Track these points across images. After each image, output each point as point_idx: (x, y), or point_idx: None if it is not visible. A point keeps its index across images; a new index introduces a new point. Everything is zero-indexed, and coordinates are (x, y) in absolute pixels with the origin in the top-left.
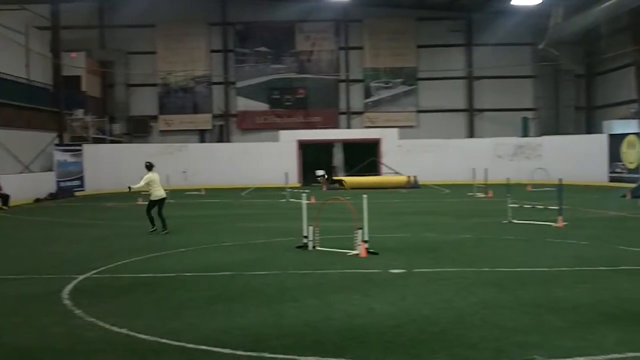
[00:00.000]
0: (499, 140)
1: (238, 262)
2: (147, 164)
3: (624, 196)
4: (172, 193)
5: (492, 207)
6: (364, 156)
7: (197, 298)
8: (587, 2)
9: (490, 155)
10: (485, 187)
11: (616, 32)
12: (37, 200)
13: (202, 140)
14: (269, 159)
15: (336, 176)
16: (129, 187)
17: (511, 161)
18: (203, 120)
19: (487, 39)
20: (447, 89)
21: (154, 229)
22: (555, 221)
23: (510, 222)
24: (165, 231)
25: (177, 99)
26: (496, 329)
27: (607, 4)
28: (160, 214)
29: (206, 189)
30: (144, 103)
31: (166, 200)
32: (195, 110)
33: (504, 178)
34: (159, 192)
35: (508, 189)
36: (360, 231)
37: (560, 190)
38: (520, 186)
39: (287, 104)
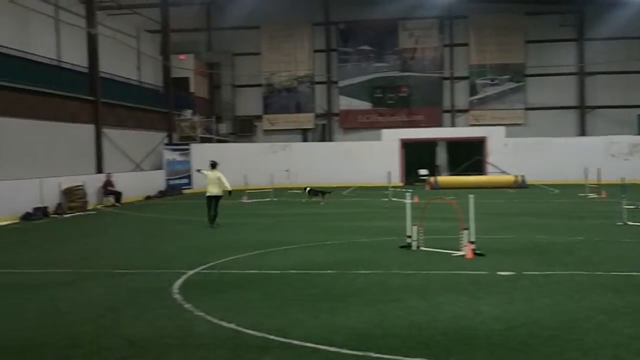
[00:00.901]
0: (613, 139)
1: (341, 261)
2: (210, 162)
3: None
4: (275, 191)
5: (606, 208)
6: (468, 155)
7: (302, 295)
8: None
9: (603, 154)
10: (598, 188)
11: None
12: (148, 197)
13: (305, 140)
14: (371, 158)
15: (440, 175)
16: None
17: (626, 160)
18: (306, 120)
19: (599, 33)
20: (556, 85)
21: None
22: None
23: (626, 224)
24: (210, 225)
25: (280, 98)
26: (613, 335)
27: None
28: (209, 210)
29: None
30: (249, 103)
31: (220, 199)
32: (298, 109)
33: (618, 178)
34: (208, 190)
35: (623, 189)
36: (466, 232)
37: None
38: (636, 187)
39: (390, 103)
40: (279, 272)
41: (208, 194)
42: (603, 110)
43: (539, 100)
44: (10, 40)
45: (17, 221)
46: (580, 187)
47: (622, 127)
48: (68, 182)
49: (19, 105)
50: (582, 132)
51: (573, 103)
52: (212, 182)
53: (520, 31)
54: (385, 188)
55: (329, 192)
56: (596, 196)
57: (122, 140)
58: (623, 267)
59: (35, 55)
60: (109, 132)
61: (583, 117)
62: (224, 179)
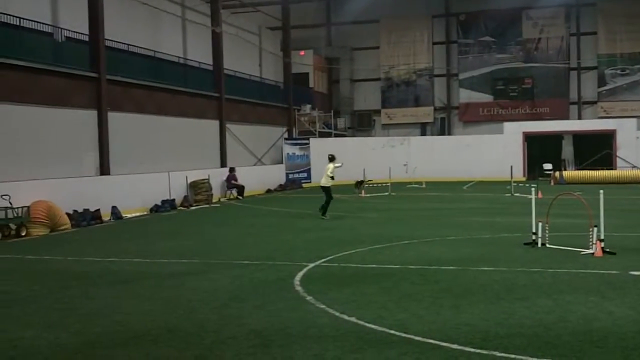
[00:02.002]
0: None
1: (463, 257)
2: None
3: None
4: (393, 186)
5: None
6: (596, 149)
7: (422, 291)
8: None
9: None
10: None
11: None
12: (269, 191)
13: (424, 133)
14: (492, 152)
15: (565, 170)
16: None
17: None
18: (424, 113)
19: None
20: None
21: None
22: None
23: None
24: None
25: (399, 92)
26: None
27: None
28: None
29: (427, 182)
30: (367, 97)
31: (329, 189)
32: (417, 103)
33: None
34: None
35: None
36: (595, 229)
37: None
38: None
39: (512, 95)
40: (398, 266)
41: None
42: None
43: None
44: (142, 41)
45: (146, 213)
46: None
47: None
48: (194, 175)
49: (149, 102)
50: None
51: None
52: (325, 173)
53: None
54: (507, 183)
55: (365, 181)
56: None
57: (244, 135)
58: None
59: (164, 54)
60: (232, 127)
61: None
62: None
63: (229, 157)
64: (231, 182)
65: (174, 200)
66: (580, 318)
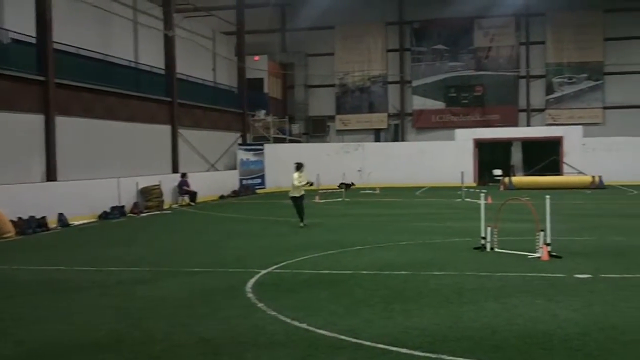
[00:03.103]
0: None
1: (414, 262)
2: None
3: None
4: (348, 192)
5: None
6: (544, 155)
7: (374, 296)
8: None
9: None
10: None
11: None
12: (222, 197)
13: (378, 140)
14: (444, 158)
15: (514, 175)
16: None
17: None
18: (379, 120)
19: None
20: (636, 83)
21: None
22: None
23: None
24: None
25: (353, 98)
26: None
27: None
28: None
29: (380, 188)
30: (322, 103)
31: (298, 199)
32: (371, 109)
33: None
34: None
35: None
36: (542, 233)
37: None
38: None
39: (464, 102)
40: (350, 272)
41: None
42: None
43: (618, 99)
44: (92, 43)
45: (95, 220)
46: None
47: None
48: (145, 181)
49: (99, 106)
50: None
51: None
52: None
53: (599, 28)
54: (459, 188)
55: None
56: None
57: (197, 140)
58: None
59: (115, 57)
60: (185, 133)
61: None
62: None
63: (181, 163)
64: (183, 188)
65: (123, 207)
66: (527, 321)
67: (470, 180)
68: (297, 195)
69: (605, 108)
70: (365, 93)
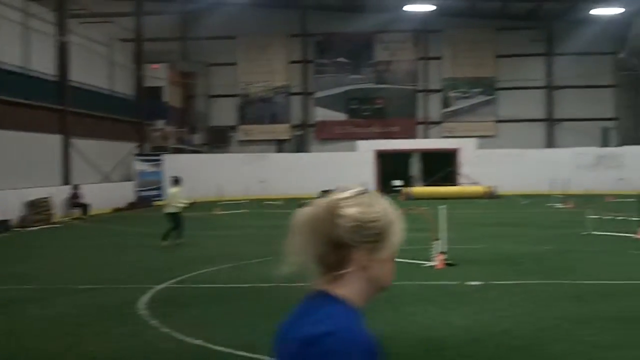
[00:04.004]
0: (579, 150)
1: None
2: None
3: None
4: (250, 203)
5: (572, 218)
6: (441, 166)
7: (274, 310)
8: None
9: (570, 166)
10: (565, 198)
11: None
12: (117, 209)
13: (281, 150)
14: (346, 169)
15: (413, 186)
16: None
17: (592, 172)
18: (282, 131)
19: (567, 48)
20: (526, 98)
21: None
22: (635, 232)
23: (590, 233)
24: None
25: (256, 109)
26: (579, 344)
27: None
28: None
29: (284, 199)
30: (224, 113)
31: (176, 215)
32: (274, 120)
33: (584, 189)
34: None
35: (588, 200)
36: (437, 242)
37: None
38: (601, 197)
39: (365, 114)
40: (249, 285)
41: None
42: (570, 123)
43: (510, 112)
44: None
45: None
46: (548, 197)
47: (588, 139)
48: (33, 194)
49: None
50: (550, 144)
51: (542, 116)
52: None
53: (492, 46)
54: None
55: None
56: (563, 206)
57: (91, 150)
58: (588, 276)
59: (1, 62)
60: (78, 142)
61: (551, 129)
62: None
63: (74, 174)
64: (74, 200)
65: (7, 221)
66: (421, 328)
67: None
68: (175, 211)
69: (497, 121)
70: (268, 104)
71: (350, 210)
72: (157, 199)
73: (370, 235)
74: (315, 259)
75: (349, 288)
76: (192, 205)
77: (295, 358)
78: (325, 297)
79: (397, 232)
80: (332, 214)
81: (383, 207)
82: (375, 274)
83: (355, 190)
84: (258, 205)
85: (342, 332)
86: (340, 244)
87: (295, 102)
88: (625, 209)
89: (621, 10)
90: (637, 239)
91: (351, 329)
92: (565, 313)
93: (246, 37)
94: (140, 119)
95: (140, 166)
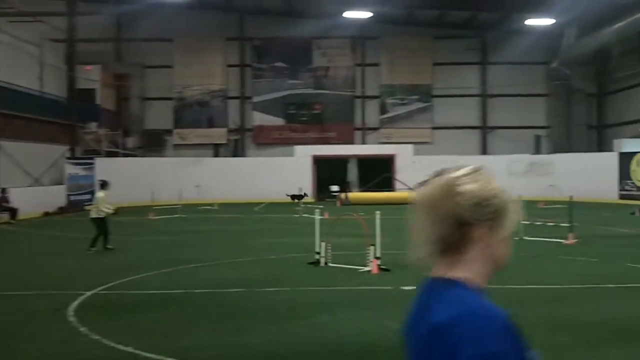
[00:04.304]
0: (512, 158)
1: (249, 279)
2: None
3: (634, 213)
4: (184, 208)
5: None
6: (378, 172)
7: (206, 316)
8: (599, 23)
9: (503, 172)
10: None
11: (627, 53)
12: (47, 214)
13: (217, 155)
14: (283, 174)
15: (350, 191)
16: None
17: (523, 178)
18: (218, 135)
19: (501, 57)
20: (461, 106)
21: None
22: (565, 238)
23: (522, 238)
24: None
25: (192, 113)
26: None
27: (618, 25)
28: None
29: (219, 204)
30: (159, 117)
31: (102, 220)
32: (211, 124)
33: (517, 195)
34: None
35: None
36: (372, 247)
37: (571, 207)
38: (532, 203)
39: (303, 119)
40: (183, 291)
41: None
42: (503, 131)
43: (445, 120)
44: None
45: None
46: None
47: (521, 147)
48: None
49: None
50: (484, 151)
51: (476, 123)
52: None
53: (429, 54)
54: (297, 204)
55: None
56: None
57: (20, 153)
58: (517, 280)
59: None
60: (6, 145)
61: (485, 136)
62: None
63: (2, 177)
64: (2, 204)
65: None
66: (355, 333)
67: (309, 196)
68: (100, 216)
69: (433, 128)
70: (204, 107)
71: (470, 187)
72: (89, 203)
73: (490, 212)
74: (436, 239)
75: (470, 269)
76: (117, 213)
77: (429, 347)
78: (448, 281)
79: (515, 209)
80: (451, 192)
81: (498, 185)
82: (495, 253)
83: (471, 167)
84: (193, 210)
85: (475, 313)
86: (461, 222)
87: (233, 106)
88: (556, 215)
89: (553, 21)
90: (567, 244)
91: (484, 308)
92: None
93: (183, 40)
94: (72, 121)
95: (71, 169)
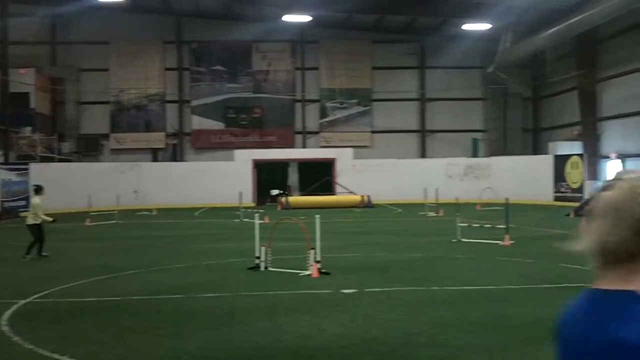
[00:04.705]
0: (450, 161)
1: (188, 285)
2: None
3: (568, 215)
4: (121, 213)
5: (443, 226)
6: (319, 176)
7: (144, 323)
8: (534, 28)
9: (442, 175)
10: (437, 207)
11: (561, 57)
12: None
13: (155, 159)
14: (223, 179)
15: (291, 195)
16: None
17: (461, 181)
18: (156, 139)
19: (439, 62)
20: (400, 110)
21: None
22: (502, 240)
23: (460, 240)
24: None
25: (129, 117)
26: (443, 349)
27: (552, 30)
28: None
29: (158, 209)
30: (96, 121)
31: (39, 226)
32: (149, 128)
33: (454, 197)
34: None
35: (457, 208)
36: (312, 251)
37: (507, 209)
38: (470, 205)
39: (243, 123)
40: (120, 298)
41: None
42: (442, 134)
43: (385, 123)
44: None
45: None
46: (421, 206)
47: (459, 150)
48: None
49: None
50: (423, 155)
51: (415, 127)
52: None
53: (368, 58)
54: (237, 209)
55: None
56: (435, 215)
57: None
58: (456, 282)
59: None
60: None
61: (424, 140)
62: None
63: None
64: None
65: None
66: (295, 337)
67: (249, 200)
68: (37, 222)
69: (373, 132)
70: (142, 111)
71: None
72: (24, 210)
73: None
74: (614, 247)
75: None
76: (55, 221)
77: None
78: (627, 296)
79: None
80: (638, 196)
81: None
82: None
83: None
84: (131, 216)
85: None
86: None
87: (171, 110)
88: (493, 217)
89: (489, 26)
90: (503, 245)
91: None
92: (434, 318)
93: (119, 43)
94: (5, 126)
95: (5, 175)
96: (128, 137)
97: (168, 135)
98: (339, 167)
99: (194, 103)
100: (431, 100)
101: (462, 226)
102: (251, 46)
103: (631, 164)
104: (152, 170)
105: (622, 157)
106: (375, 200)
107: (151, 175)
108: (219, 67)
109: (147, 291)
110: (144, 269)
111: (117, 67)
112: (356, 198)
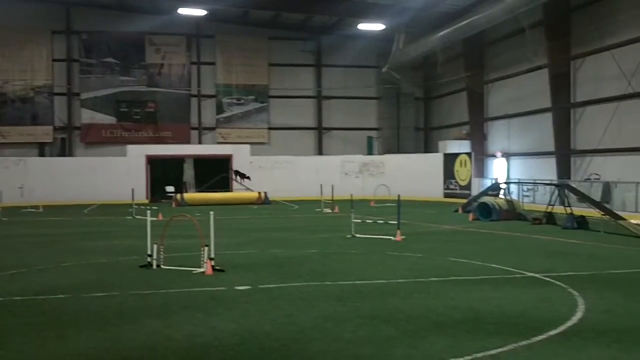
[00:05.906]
0: (346, 158)
1: (75, 284)
2: None
3: (457, 211)
4: (5, 211)
5: (338, 222)
6: (215, 172)
7: (26, 324)
8: (426, 30)
9: (338, 172)
10: (332, 203)
11: (451, 59)
12: None
13: (42, 154)
14: (115, 175)
15: (187, 192)
16: None
17: (357, 178)
18: (43, 133)
19: (335, 60)
20: (297, 107)
21: None
22: (394, 235)
23: (354, 236)
24: None
25: (14, 109)
26: (335, 342)
27: (442, 33)
28: None
29: (45, 206)
30: None
31: None
32: (35, 122)
33: (350, 194)
34: None
35: (352, 204)
36: (206, 248)
37: (399, 205)
38: (365, 202)
39: (136, 118)
40: (1, 299)
41: None
42: (338, 132)
43: (282, 120)
44: None
45: None
46: (317, 203)
47: (354, 148)
48: None
49: None
50: (320, 152)
51: (312, 124)
52: None
53: (264, 54)
54: (130, 205)
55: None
56: (330, 211)
57: None
58: (348, 277)
59: None
60: None
61: (320, 137)
62: None
63: None
64: None
65: None
66: (186, 335)
67: (142, 197)
68: None
69: (270, 129)
70: (28, 104)
71: None
72: None
73: None
74: None
75: None
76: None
77: None
78: None
79: None
80: None
81: None
82: None
83: None
84: (16, 213)
85: None
86: None
87: (59, 103)
88: (386, 213)
89: (383, 26)
90: (395, 241)
91: None
92: (326, 313)
93: (3, 31)
94: None
95: None
96: (12, 130)
97: (56, 129)
98: (236, 164)
99: (84, 96)
100: (328, 98)
101: (356, 222)
102: (144, 38)
103: (515, 162)
104: (39, 165)
105: (507, 155)
106: (272, 197)
107: (38, 170)
108: (110, 59)
109: (30, 291)
110: (28, 268)
111: (0, 57)
112: (253, 195)
